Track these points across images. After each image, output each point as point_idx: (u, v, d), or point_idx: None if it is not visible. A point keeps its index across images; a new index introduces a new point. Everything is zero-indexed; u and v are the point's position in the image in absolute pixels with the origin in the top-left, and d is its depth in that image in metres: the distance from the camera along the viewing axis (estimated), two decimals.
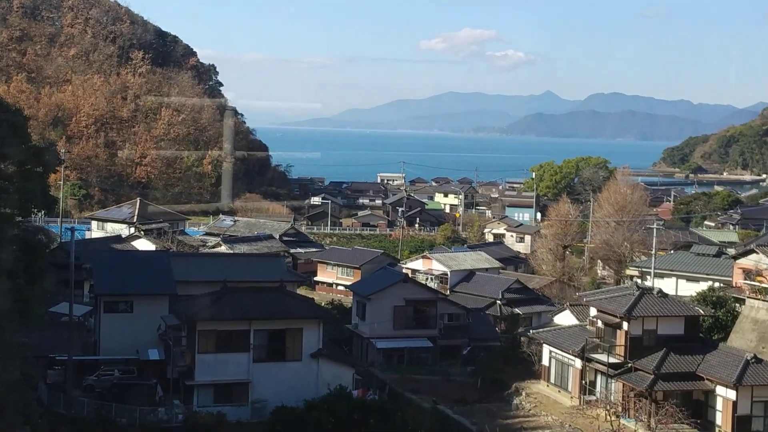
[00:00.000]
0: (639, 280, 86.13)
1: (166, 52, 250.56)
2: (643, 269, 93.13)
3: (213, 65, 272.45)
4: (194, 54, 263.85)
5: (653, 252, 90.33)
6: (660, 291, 61.82)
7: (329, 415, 48.93)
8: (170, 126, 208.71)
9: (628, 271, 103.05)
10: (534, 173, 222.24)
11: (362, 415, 49.70)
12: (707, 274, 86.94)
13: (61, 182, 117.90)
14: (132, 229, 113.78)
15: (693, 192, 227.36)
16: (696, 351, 57.25)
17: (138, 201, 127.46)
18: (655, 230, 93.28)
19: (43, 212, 74.46)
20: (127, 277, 64.41)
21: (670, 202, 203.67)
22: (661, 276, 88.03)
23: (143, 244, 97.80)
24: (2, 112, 40.96)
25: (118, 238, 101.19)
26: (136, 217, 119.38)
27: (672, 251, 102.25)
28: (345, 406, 49.81)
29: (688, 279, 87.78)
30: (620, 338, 58.71)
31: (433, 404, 59.29)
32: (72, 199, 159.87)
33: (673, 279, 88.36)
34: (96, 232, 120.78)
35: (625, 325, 57.99)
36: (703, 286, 79.61)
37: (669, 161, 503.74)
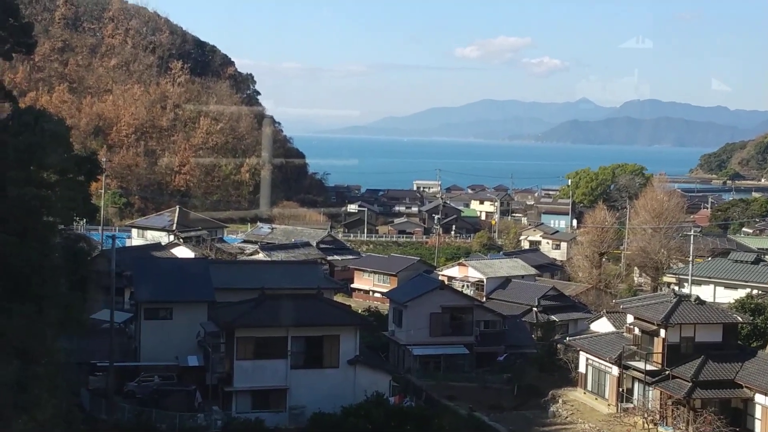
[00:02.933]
0: (676, 288, 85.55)
1: (204, 61, 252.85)
2: (681, 276, 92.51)
3: (250, 74, 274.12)
4: (232, 63, 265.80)
5: (690, 259, 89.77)
6: (697, 298, 61.52)
7: (366, 421, 49.23)
8: (208, 135, 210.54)
9: (665, 278, 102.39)
10: (570, 180, 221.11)
11: (399, 421, 49.95)
12: (745, 281, 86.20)
13: (102, 191, 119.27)
14: (171, 237, 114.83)
15: (730, 198, 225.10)
16: (734, 359, 56.91)
17: (177, 209, 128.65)
18: (692, 237, 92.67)
19: (84, 220, 75.44)
20: (166, 284, 65.09)
21: (707, 208, 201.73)
22: (699, 283, 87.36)
23: (182, 252, 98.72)
24: (45, 122, 41.69)
25: (157, 246, 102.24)
26: (175, 224, 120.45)
27: (709, 258, 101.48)
28: (382, 412, 50.07)
29: (726, 286, 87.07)
30: (657, 345, 58.48)
31: (469, 411, 59.42)
32: (113, 207, 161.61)
33: (711, 286, 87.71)
34: (136, 239, 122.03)
35: (662, 332, 57.77)
36: (741, 293, 79.02)
37: (706, 168, 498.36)
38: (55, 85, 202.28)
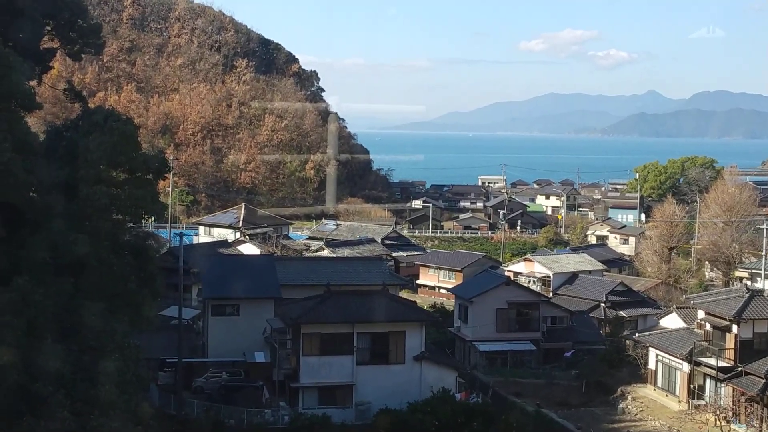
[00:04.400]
0: (749, 282, 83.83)
1: (269, 59, 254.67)
2: (753, 271, 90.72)
3: (315, 71, 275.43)
4: (296, 61, 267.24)
5: (764, 253, 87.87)
6: None
7: (432, 417, 49.17)
8: (273, 132, 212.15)
9: (737, 273, 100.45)
10: (638, 174, 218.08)
11: (465, 418, 49.80)
12: None
13: (170, 189, 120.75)
14: (238, 234, 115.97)
15: None
16: None
17: (243, 206, 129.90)
18: (765, 231, 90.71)
19: (153, 218, 76.43)
20: (233, 281, 65.63)
21: None
22: None
23: (249, 249, 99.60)
24: (114, 121, 42.25)
25: (224, 243, 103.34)
26: (241, 222, 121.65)
27: None
28: (448, 408, 49.96)
29: None
30: (729, 341, 57.41)
31: (536, 408, 58.95)
32: (180, 204, 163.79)
33: None
34: (203, 237, 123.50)
35: (734, 328, 56.70)
36: None
37: None
38: (123, 85, 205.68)
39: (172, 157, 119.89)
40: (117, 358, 34.70)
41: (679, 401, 60.80)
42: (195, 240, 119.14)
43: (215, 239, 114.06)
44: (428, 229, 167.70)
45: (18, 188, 34.62)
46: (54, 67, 62.26)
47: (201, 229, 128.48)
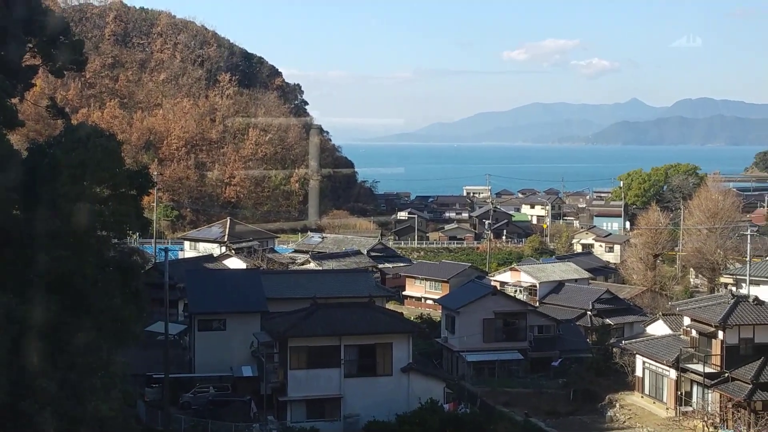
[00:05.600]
0: (734, 288, 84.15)
1: (252, 73, 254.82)
2: (738, 277, 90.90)
3: (298, 84, 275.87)
4: (280, 74, 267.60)
5: (748, 259, 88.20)
6: (756, 298, 60.51)
7: (421, 428, 49.13)
8: (258, 146, 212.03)
9: (722, 279, 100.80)
10: (622, 182, 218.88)
11: (454, 428, 49.80)
12: None
13: (155, 204, 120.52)
14: (223, 249, 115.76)
15: None
16: None
17: (228, 220, 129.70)
18: (749, 237, 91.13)
19: (137, 234, 76.23)
20: (219, 295, 65.57)
21: (764, 207, 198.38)
22: (757, 283, 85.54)
23: (234, 263, 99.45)
24: (97, 137, 42.13)
25: (210, 258, 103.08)
26: (226, 236, 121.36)
27: (767, 258, 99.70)
28: (437, 419, 49.94)
29: None
30: (716, 347, 57.64)
31: (525, 417, 58.99)
32: (165, 220, 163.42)
33: None
34: (188, 252, 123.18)
35: (720, 334, 56.92)
36: None
37: (762, 166, 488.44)
38: (106, 101, 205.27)
39: (156, 173, 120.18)
40: (103, 375, 34.58)
41: (667, 408, 60.93)
42: (180, 255, 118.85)
43: (201, 254, 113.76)
44: (414, 240, 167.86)
45: (1, 206, 34.51)
46: (36, 84, 62.08)
47: (186, 244, 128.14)
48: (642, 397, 64.18)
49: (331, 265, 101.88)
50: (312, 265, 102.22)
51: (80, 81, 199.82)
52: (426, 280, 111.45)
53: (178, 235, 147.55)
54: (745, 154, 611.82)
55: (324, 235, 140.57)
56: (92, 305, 37.89)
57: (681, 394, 60.03)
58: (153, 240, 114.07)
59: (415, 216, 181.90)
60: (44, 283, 35.40)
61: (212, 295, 65.49)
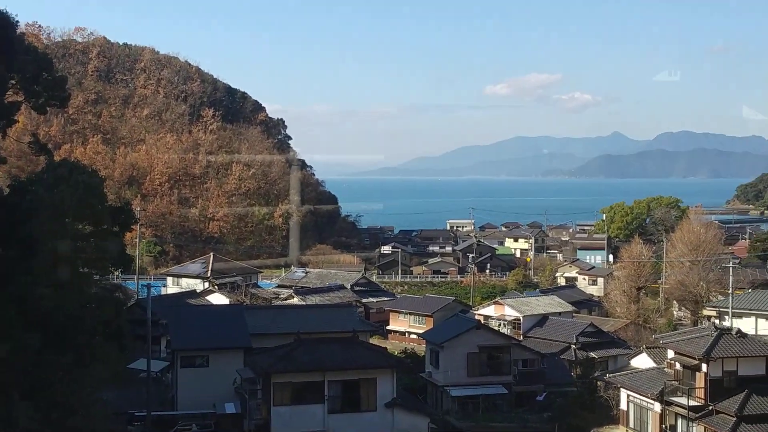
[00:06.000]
0: (717, 321, 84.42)
1: (235, 108, 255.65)
2: (721, 309, 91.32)
3: (281, 119, 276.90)
4: (263, 109, 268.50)
5: (730, 291, 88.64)
6: (738, 331, 60.60)
7: None
8: (241, 180, 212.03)
9: (705, 312, 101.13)
10: (604, 215, 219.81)
11: None
12: None
13: (137, 240, 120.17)
14: (206, 284, 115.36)
15: None
16: None
17: (211, 256, 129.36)
18: (731, 269, 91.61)
19: (120, 270, 75.99)
20: (202, 331, 65.25)
21: (745, 239, 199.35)
22: (740, 315, 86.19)
23: (217, 299, 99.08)
24: (79, 174, 42.16)
25: (192, 293, 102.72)
26: (209, 271, 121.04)
27: (750, 290, 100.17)
28: None
29: None
30: (700, 380, 57.59)
31: None
32: (148, 256, 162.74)
33: (752, 318, 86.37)
34: (171, 287, 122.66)
35: (704, 366, 56.90)
36: None
37: (743, 198, 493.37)
38: (89, 137, 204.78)
39: (139, 208, 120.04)
40: (85, 413, 34.32)
41: None
42: (163, 291, 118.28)
43: (184, 290, 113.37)
44: (398, 274, 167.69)
45: None
46: (19, 120, 61.98)
47: (169, 279, 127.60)
48: (627, 430, 63.97)
49: (314, 300, 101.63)
50: (295, 300, 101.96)
51: (63, 117, 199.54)
52: (410, 314, 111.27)
53: (161, 271, 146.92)
54: (726, 186, 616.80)
55: (307, 269, 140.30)
56: (74, 343, 37.67)
57: (666, 427, 59.89)
58: (136, 276, 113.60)
59: (399, 250, 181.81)
60: (25, 321, 35.19)
61: (195, 332, 65.14)
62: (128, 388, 60.62)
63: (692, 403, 57.08)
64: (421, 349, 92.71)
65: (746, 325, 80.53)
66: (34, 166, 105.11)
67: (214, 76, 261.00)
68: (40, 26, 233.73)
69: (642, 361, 69.17)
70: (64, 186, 40.12)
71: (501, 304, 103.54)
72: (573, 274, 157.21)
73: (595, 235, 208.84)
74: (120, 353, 42.70)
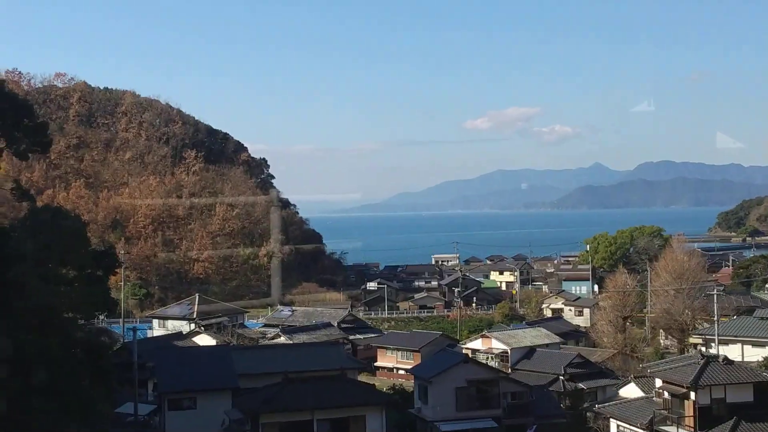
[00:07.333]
0: (703, 348, 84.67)
1: (218, 149, 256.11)
2: (707, 336, 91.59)
3: (264, 159, 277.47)
4: (245, 149, 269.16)
5: (716, 318, 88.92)
6: (725, 358, 60.80)
7: None
8: (225, 221, 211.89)
9: (692, 340, 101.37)
10: (588, 246, 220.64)
11: None
12: None
13: (122, 283, 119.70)
14: (192, 326, 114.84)
15: (751, 255, 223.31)
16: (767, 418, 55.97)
17: (197, 297, 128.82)
18: (715, 296, 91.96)
19: (105, 313, 75.73)
20: (189, 373, 64.89)
21: (728, 266, 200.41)
22: (726, 342, 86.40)
23: (204, 340, 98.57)
24: (62, 219, 42.20)
25: (179, 335, 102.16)
26: (195, 313, 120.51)
27: (735, 317, 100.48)
28: None
29: (754, 344, 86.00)
30: (688, 409, 57.64)
31: None
32: (133, 298, 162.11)
33: (738, 345, 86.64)
34: (157, 330, 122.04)
35: (692, 395, 56.99)
36: None
37: (724, 226, 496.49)
38: (72, 181, 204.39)
39: (123, 251, 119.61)
40: None
41: None
42: (149, 333, 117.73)
43: (170, 332, 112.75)
44: (384, 310, 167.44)
45: None
46: (0, 166, 62.03)
47: (155, 322, 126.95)
48: None
49: (301, 338, 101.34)
50: (282, 339, 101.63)
51: (45, 162, 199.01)
52: (397, 350, 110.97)
53: (146, 314, 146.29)
54: (708, 215, 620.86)
55: (294, 308, 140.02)
56: (59, 388, 37.46)
57: None
58: (121, 319, 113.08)
59: (385, 286, 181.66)
60: (10, 366, 35.01)
61: (182, 374, 64.79)
62: None
63: (681, 431, 57.10)
64: (409, 384, 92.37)
65: (732, 352, 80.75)
66: (16, 212, 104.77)
67: (196, 118, 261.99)
68: (20, 73, 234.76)
69: (630, 391, 69.29)
70: (47, 232, 40.12)
71: (488, 337, 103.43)
72: (559, 305, 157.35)
73: (579, 266, 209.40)
74: (107, 397, 42.43)
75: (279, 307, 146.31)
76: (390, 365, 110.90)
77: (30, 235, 40.85)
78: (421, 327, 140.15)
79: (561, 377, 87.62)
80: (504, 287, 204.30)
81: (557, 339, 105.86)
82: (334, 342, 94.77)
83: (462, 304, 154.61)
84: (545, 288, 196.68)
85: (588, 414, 72.54)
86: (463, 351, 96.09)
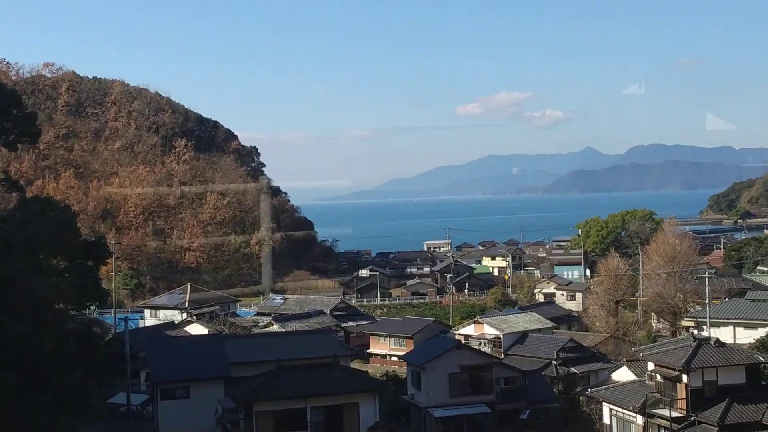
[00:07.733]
0: (695, 331, 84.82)
1: (208, 137, 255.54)
2: (699, 319, 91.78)
3: (254, 147, 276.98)
4: (236, 137, 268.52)
5: (707, 301, 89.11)
6: (717, 340, 60.94)
7: None
8: (216, 210, 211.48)
9: (684, 323, 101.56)
10: (580, 230, 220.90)
11: None
12: (764, 320, 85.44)
13: (113, 273, 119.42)
14: (184, 315, 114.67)
15: (743, 238, 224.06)
16: (760, 399, 56.08)
17: (188, 286, 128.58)
18: (707, 279, 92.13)
19: (96, 304, 75.50)
20: (182, 363, 64.83)
21: (720, 249, 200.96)
22: (718, 325, 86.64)
23: (196, 329, 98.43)
24: (51, 210, 42.01)
25: (171, 325, 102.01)
26: (187, 302, 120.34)
27: (726, 299, 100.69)
28: None
29: (745, 326, 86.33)
30: (681, 391, 57.78)
31: None
32: (124, 289, 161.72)
33: (730, 327, 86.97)
34: (149, 320, 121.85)
35: (684, 377, 57.12)
36: (761, 332, 78.25)
37: (716, 208, 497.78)
38: (62, 172, 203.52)
39: (113, 241, 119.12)
40: None
41: None
42: (141, 323, 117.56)
43: (161, 321, 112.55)
44: (377, 297, 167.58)
45: None
46: None
47: (146, 312, 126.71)
48: None
49: (294, 326, 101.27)
50: (275, 328, 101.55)
51: (34, 153, 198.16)
52: (390, 337, 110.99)
53: (138, 304, 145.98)
54: (699, 197, 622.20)
55: (286, 296, 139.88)
56: (52, 380, 37.34)
57: None
58: (113, 310, 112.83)
59: (377, 273, 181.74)
60: (2, 360, 34.86)
61: (174, 363, 64.69)
62: (109, 422, 60.02)
63: (674, 414, 57.22)
64: (402, 371, 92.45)
65: (724, 334, 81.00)
66: (6, 204, 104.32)
67: (185, 106, 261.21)
68: (8, 63, 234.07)
69: (623, 375, 69.38)
70: (37, 222, 39.93)
71: (481, 323, 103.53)
72: (551, 290, 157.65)
73: (571, 251, 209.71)
74: (99, 388, 42.34)
75: (271, 295, 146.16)
76: (383, 352, 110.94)
77: (20, 226, 40.64)
78: (414, 313, 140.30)
79: (554, 362, 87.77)
80: (496, 273, 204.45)
81: (549, 324, 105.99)
82: (327, 329, 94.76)
83: (454, 290, 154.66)
84: (537, 273, 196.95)
85: (581, 398, 72.70)
86: (456, 337, 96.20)
